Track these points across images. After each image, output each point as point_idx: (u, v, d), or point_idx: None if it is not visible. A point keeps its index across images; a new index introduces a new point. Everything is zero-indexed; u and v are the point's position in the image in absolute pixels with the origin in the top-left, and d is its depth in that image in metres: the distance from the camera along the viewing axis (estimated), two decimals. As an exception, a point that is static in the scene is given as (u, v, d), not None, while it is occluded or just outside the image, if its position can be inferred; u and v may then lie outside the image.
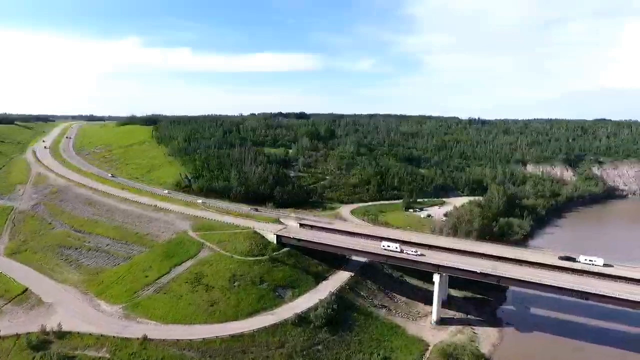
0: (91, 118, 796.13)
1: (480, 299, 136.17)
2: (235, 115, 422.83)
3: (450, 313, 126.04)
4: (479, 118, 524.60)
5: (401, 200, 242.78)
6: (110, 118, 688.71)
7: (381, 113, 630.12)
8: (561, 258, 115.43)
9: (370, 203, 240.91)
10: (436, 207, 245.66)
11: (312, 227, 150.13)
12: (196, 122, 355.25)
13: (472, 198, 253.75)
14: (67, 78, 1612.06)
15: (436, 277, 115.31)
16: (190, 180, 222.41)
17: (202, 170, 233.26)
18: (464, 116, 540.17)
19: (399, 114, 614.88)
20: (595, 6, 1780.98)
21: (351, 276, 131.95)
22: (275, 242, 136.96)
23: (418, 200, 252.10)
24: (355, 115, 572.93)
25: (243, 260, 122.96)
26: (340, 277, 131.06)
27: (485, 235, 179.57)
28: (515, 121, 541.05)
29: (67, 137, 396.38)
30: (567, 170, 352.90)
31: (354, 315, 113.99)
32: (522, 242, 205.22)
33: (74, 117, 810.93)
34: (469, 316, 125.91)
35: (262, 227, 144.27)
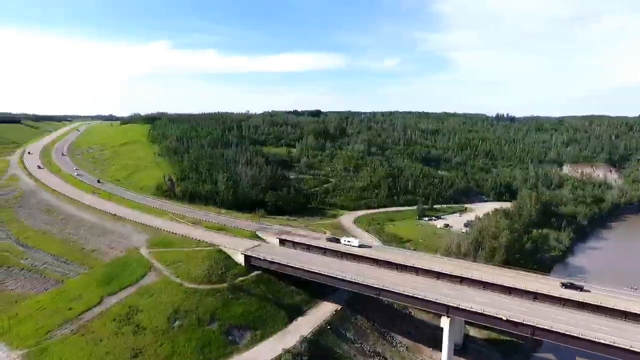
0: (110, 118, 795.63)
1: (508, 342, 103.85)
2: (241, 112, 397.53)
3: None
4: (507, 114, 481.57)
5: (415, 207, 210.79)
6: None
7: (401, 110, 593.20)
8: (329, 239, 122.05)
9: (378, 210, 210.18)
10: (456, 215, 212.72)
11: (294, 244, 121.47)
12: (195, 120, 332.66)
13: (499, 204, 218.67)
14: (94, 80, 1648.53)
15: (445, 322, 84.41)
16: (174, 184, 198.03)
17: (188, 172, 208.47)
18: (491, 114, 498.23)
19: (421, 111, 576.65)
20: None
21: (336, 310, 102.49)
22: (243, 263, 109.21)
23: (435, 206, 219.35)
24: (372, 113, 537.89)
25: (194, 290, 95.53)
26: (322, 311, 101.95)
27: (514, 252, 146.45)
28: (548, 118, 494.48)
29: (77, 130, 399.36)
30: (611, 172, 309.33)
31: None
32: (561, 261, 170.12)
33: (92, 118, 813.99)
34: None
35: (231, 243, 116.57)
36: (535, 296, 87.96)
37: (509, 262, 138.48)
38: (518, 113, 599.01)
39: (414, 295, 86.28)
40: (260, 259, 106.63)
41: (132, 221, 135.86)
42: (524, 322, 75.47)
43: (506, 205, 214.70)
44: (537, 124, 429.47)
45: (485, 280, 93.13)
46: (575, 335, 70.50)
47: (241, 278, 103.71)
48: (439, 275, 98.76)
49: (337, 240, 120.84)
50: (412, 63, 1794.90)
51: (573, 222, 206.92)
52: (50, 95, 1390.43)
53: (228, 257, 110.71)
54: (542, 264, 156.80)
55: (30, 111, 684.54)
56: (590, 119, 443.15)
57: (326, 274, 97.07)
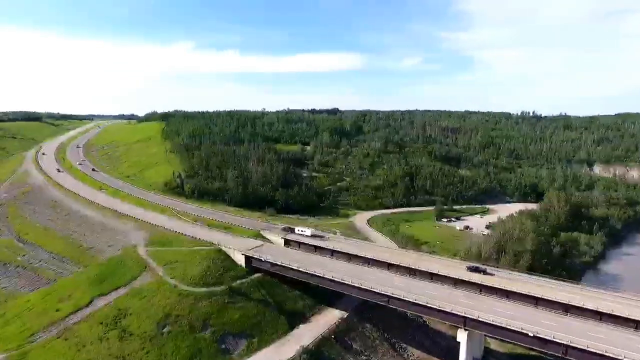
0: (131, 117, 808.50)
1: (535, 358, 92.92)
2: (257, 110, 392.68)
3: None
4: (533, 112, 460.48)
5: (433, 207, 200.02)
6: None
7: (421, 109, 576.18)
8: (283, 229, 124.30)
9: (394, 210, 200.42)
10: (477, 216, 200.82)
11: (299, 244, 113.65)
12: (210, 117, 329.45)
13: (524, 206, 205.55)
14: (119, 81, 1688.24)
15: (462, 336, 74.79)
16: (183, 181, 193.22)
17: (198, 168, 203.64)
18: (516, 112, 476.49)
19: (442, 109, 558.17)
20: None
21: (342, 318, 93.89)
22: (244, 265, 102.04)
23: (455, 207, 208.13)
24: (391, 112, 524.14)
25: (188, 292, 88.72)
26: (327, 319, 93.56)
27: (541, 258, 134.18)
28: (578, 118, 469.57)
29: (98, 127, 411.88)
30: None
31: (334, 386, 76.29)
32: (593, 267, 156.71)
33: (114, 117, 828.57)
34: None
35: (232, 243, 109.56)
36: (567, 308, 77.47)
37: (534, 268, 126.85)
38: (545, 112, 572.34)
39: (427, 305, 76.88)
40: (261, 260, 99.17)
41: (134, 218, 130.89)
42: (555, 340, 65.20)
43: (532, 206, 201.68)
44: (566, 122, 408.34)
45: (509, 289, 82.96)
46: (619, 358, 59.86)
47: (240, 280, 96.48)
48: (455, 281, 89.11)
49: (292, 230, 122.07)
50: (435, 62, 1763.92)
51: (606, 226, 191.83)
52: (76, 95, 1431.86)
53: (228, 257, 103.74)
54: (571, 271, 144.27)
55: (55, 110, 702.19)
56: (623, 116, 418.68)
57: (330, 278, 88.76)
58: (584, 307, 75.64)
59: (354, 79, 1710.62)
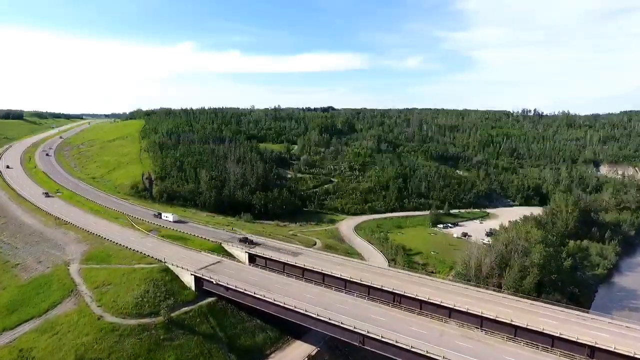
0: (122, 116, 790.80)
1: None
2: (245, 107, 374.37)
3: None
4: (535, 110, 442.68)
5: (428, 212, 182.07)
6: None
7: (419, 108, 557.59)
8: (155, 215, 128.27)
9: (385, 215, 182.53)
10: (476, 222, 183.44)
11: (266, 261, 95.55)
12: (193, 114, 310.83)
13: (527, 210, 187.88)
14: (118, 81, 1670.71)
15: (457, 392, 56.73)
16: (153, 183, 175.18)
17: (171, 169, 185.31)
18: (516, 109, 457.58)
19: (439, 108, 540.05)
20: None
21: (310, 355, 76.08)
22: (193, 287, 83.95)
23: (452, 211, 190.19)
24: (386, 110, 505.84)
25: (113, 326, 70.49)
26: (292, 356, 75.87)
27: (550, 272, 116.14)
28: (580, 116, 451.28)
29: (88, 124, 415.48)
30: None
31: None
32: (606, 280, 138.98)
33: (106, 116, 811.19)
34: None
35: (183, 259, 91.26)
36: (592, 352, 59.76)
37: (542, 284, 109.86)
38: (546, 111, 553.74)
39: (412, 350, 58.85)
40: (212, 282, 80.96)
41: (77, 227, 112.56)
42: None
43: (535, 210, 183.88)
44: (569, 120, 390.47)
45: (518, 324, 64.90)
46: None
47: (185, 308, 78.31)
48: (450, 312, 71.14)
49: (160, 215, 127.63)
50: (435, 62, 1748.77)
51: (618, 233, 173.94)
52: (77, 95, 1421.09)
53: (176, 278, 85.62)
54: (583, 286, 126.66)
55: (55, 110, 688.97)
56: (629, 114, 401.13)
57: (291, 308, 70.48)
58: (616, 351, 57.91)
59: (353, 79, 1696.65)
